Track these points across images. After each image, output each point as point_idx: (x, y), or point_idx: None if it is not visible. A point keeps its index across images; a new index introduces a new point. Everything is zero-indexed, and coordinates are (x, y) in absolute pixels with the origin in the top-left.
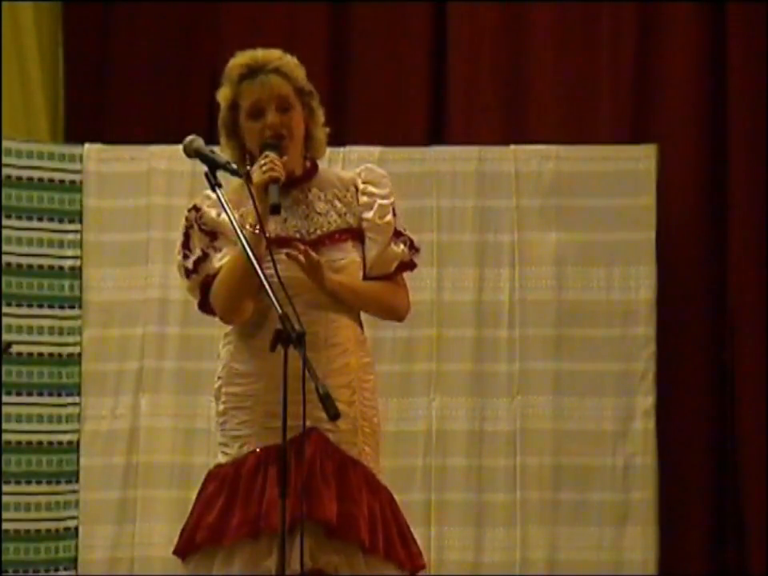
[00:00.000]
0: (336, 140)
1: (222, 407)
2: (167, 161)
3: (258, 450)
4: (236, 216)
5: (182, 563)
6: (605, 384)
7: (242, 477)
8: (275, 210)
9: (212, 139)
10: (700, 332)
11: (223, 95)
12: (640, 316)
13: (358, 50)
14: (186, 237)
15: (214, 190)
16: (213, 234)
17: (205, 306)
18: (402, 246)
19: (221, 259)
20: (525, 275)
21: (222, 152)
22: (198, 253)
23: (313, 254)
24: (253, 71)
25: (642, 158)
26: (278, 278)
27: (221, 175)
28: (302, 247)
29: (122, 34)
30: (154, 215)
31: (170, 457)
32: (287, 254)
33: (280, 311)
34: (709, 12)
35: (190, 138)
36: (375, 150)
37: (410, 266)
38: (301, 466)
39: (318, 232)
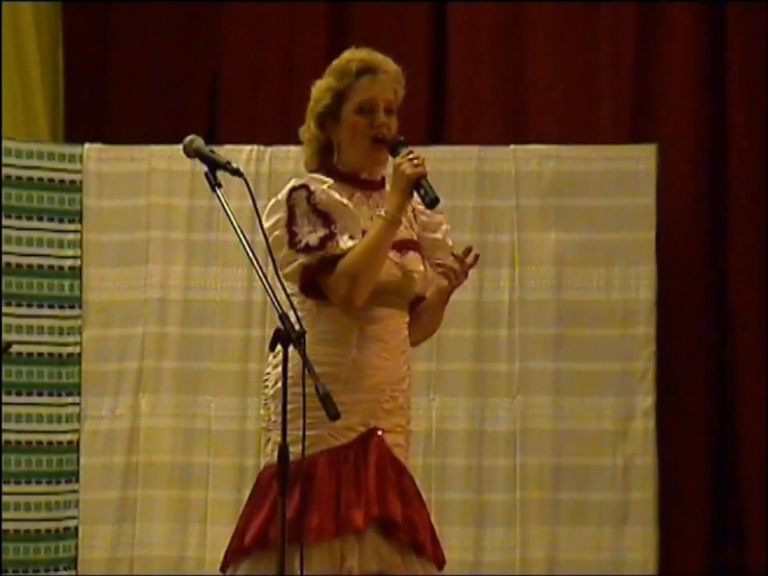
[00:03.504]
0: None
1: (287, 407)
2: (167, 161)
3: (329, 449)
4: (350, 207)
5: (244, 561)
6: (605, 384)
7: (316, 476)
8: (435, 202)
9: (212, 139)
10: (700, 332)
11: (329, 85)
12: (640, 316)
13: None
14: (291, 215)
15: (213, 190)
16: (326, 215)
17: (309, 287)
18: None
19: (347, 242)
20: (525, 275)
21: (303, 139)
22: (321, 231)
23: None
24: (373, 69)
25: (642, 158)
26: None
27: (221, 175)
28: (460, 261)
29: (122, 34)
30: (154, 215)
31: (170, 457)
32: (443, 271)
33: (279, 311)
34: (709, 12)
35: (189, 137)
36: None
37: None
38: (367, 466)
39: (397, 236)
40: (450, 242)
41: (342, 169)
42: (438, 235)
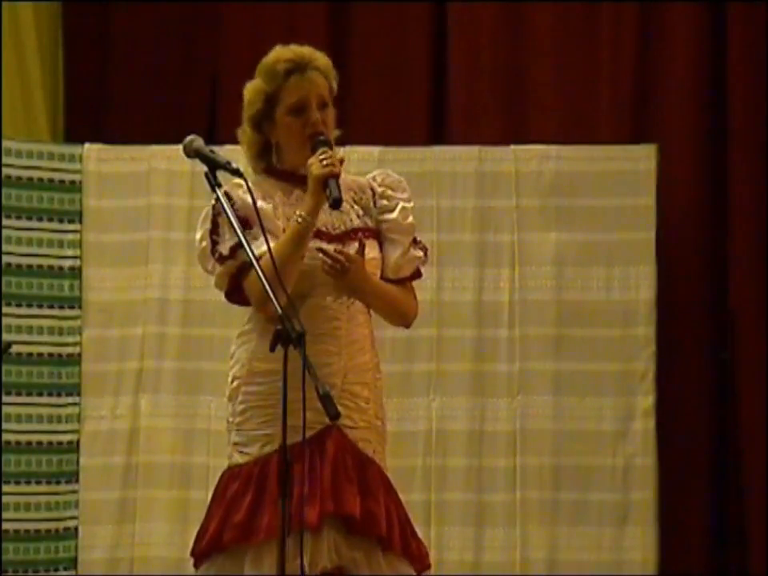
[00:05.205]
0: (336, 140)
1: (240, 407)
2: (167, 161)
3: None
4: (264, 208)
5: (204, 564)
6: (605, 384)
7: (269, 476)
8: (337, 203)
9: (212, 139)
10: (700, 332)
11: (259, 88)
12: (640, 316)
13: (358, 50)
14: (215, 224)
15: (213, 190)
16: (245, 222)
17: (233, 295)
18: (420, 252)
19: (258, 247)
20: (525, 275)
21: (241, 143)
22: (232, 240)
23: (352, 256)
24: (300, 67)
25: (642, 158)
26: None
27: (221, 175)
28: (332, 251)
29: (122, 33)
30: (154, 215)
31: (170, 457)
32: (323, 258)
33: (279, 311)
34: (709, 12)
35: (189, 138)
36: (375, 150)
37: (420, 274)
38: (323, 462)
39: (342, 227)
40: (410, 220)
41: (282, 167)
42: (393, 215)
